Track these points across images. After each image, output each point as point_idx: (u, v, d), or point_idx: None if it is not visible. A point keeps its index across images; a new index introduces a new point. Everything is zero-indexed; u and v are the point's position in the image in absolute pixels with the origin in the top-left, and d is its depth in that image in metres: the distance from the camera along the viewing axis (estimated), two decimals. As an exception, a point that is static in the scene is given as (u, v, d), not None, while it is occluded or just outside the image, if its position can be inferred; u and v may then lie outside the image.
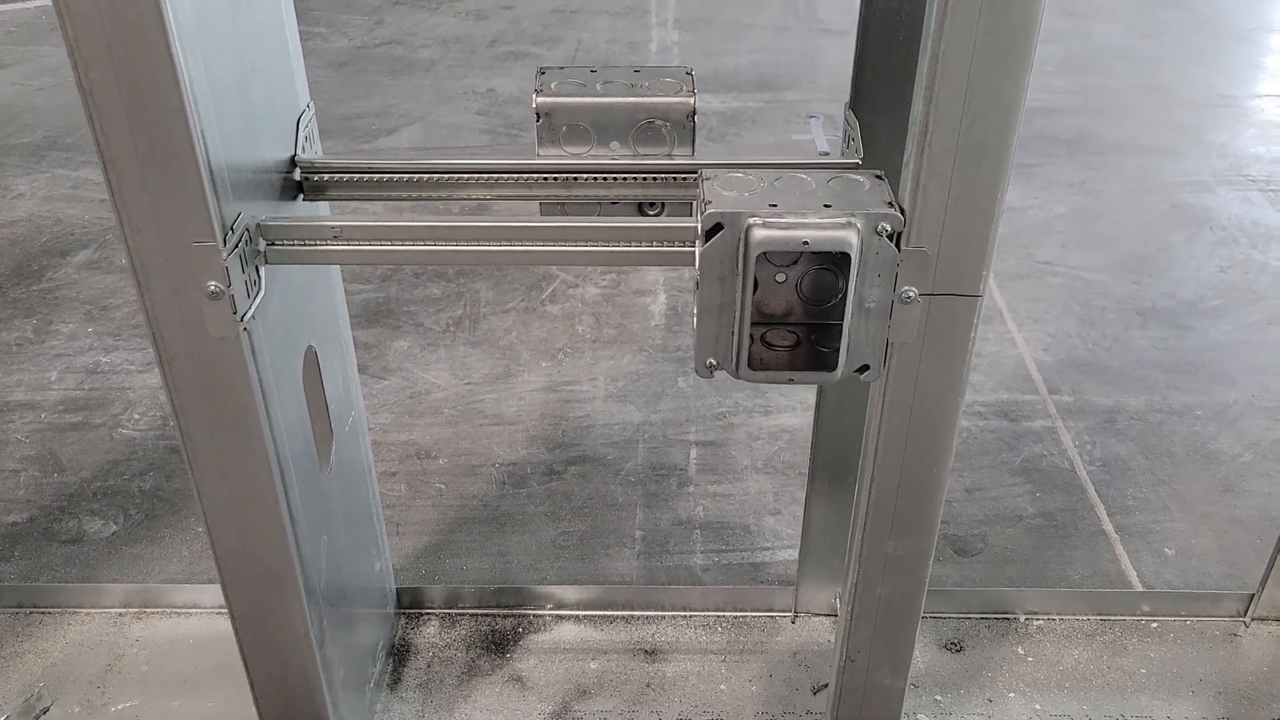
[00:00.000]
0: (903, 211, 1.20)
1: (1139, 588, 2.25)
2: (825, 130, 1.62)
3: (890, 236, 1.21)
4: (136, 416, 2.76)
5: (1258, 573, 2.13)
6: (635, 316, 3.20)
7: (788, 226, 1.19)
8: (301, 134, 1.49)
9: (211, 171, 1.18)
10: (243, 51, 1.28)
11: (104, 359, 2.99)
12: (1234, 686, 2.02)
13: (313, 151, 1.52)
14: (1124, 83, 4.99)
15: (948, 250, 1.21)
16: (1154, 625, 2.14)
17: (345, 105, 4.68)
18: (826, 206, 1.21)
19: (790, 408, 2.79)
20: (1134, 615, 2.16)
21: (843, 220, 1.19)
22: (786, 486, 2.54)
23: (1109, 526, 2.41)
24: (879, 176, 1.28)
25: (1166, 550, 2.35)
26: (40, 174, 4.08)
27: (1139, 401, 2.83)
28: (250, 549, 1.48)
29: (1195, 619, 2.15)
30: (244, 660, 1.62)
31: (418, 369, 2.97)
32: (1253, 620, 2.14)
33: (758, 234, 1.19)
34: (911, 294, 1.24)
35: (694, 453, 2.65)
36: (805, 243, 1.19)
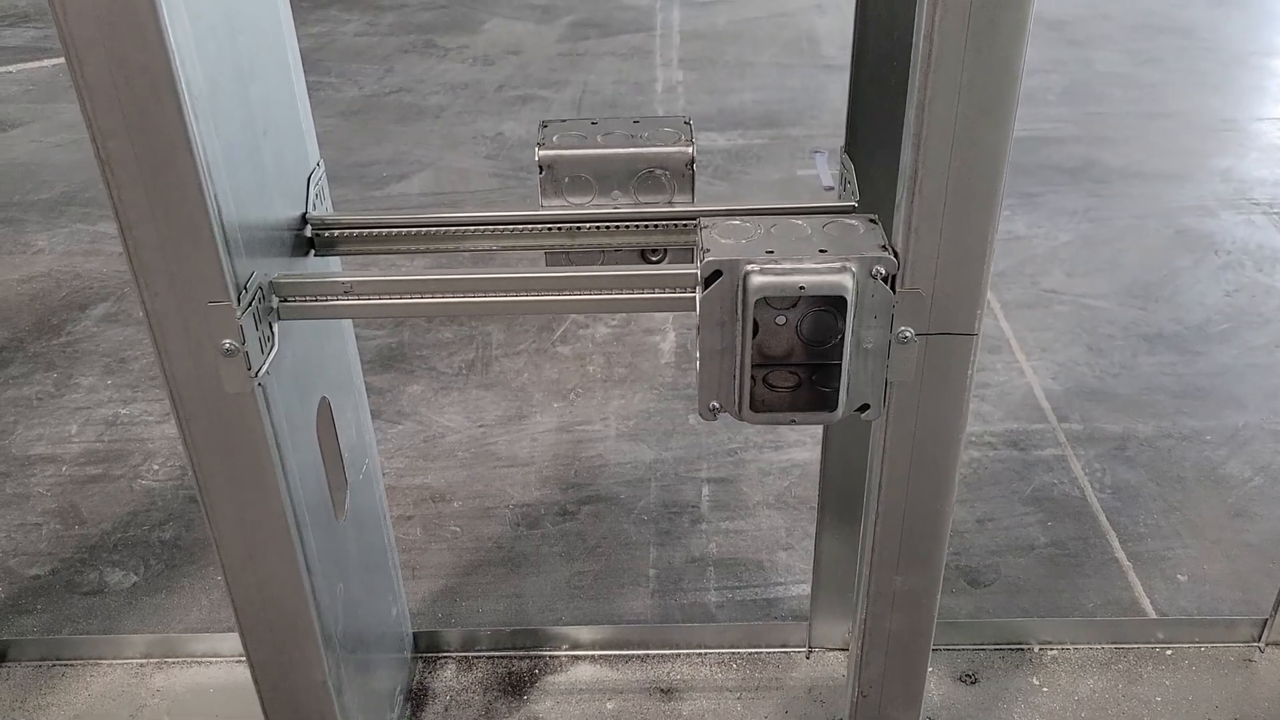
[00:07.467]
0: (896, 255, 1.23)
1: (1153, 615, 2.26)
2: (830, 165, 1.65)
3: (885, 279, 1.24)
4: (155, 467, 2.80)
5: (1270, 597, 2.13)
6: (645, 355, 3.24)
7: (784, 272, 1.23)
8: (312, 191, 1.53)
9: (225, 233, 1.22)
10: (253, 117, 1.33)
11: (123, 411, 3.03)
12: (1250, 713, 2.02)
13: (323, 208, 1.56)
14: (1126, 109, 5.03)
15: (942, 291, 1.24)
16: (1169, 653, 2.14)
17: (357, 153, 4.76)
18: (822, 251, 1.24)
19: (800, 442, 2.81)
20: (1148, 643, 2.16)
21: (838, 265, 1.23)
22: (798, 521, 2.55)
23: (1121, 554, 2.42)
24: (873, 220, 1.31)
25: (1179, 577, 2.35)
26: (59, 229, 4.15)
27: (1148, 428, 2.84)
28: (268, 599, 1.51)
29: (1210, 645, 2.15)
30: (263, 709, 1.65)
31: (431, 412, 3.01)
32: (1267, 645, 2.14)
33: (755, 280, 1.23)
34: (908, 334, 1.27)
35: (706, 489, 2.67)
36: (802, 288, 1.22)
